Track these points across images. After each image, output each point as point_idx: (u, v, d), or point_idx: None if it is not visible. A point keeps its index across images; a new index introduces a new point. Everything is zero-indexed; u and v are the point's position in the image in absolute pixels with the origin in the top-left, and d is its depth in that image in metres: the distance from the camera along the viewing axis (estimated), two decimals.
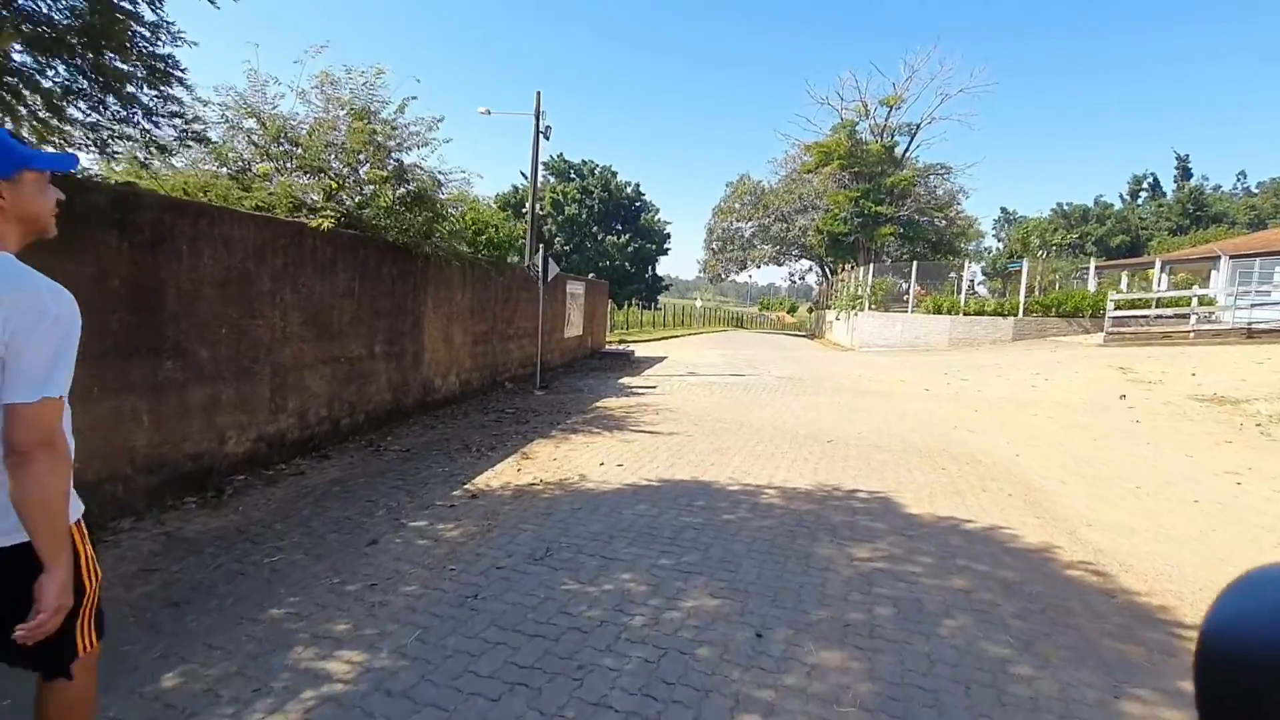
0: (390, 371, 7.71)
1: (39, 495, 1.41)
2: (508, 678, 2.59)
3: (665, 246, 59.70)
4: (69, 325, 1.49)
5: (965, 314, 23.74)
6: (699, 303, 53.49)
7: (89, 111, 5.18)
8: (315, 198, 7.18)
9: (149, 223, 4.52)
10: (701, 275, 50.93)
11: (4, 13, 4.47)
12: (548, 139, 13.90)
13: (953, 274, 34.84)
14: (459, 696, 2.47)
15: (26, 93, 4.76)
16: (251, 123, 7.14)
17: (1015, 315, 22.77)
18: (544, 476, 5.63)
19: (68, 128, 5.09)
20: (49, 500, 1.42)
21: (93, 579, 1.66)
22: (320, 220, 6.16)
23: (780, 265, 44.93)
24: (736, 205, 42.08)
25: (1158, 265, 22.20)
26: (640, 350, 21.54)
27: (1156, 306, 19.64)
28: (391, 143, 7.79)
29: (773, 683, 2.59)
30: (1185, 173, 66.00)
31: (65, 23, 4.81)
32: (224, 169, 7.06)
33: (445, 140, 8.26)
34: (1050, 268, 28.10)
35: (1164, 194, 67.94)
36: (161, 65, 5.23)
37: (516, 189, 59.22)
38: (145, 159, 6.01)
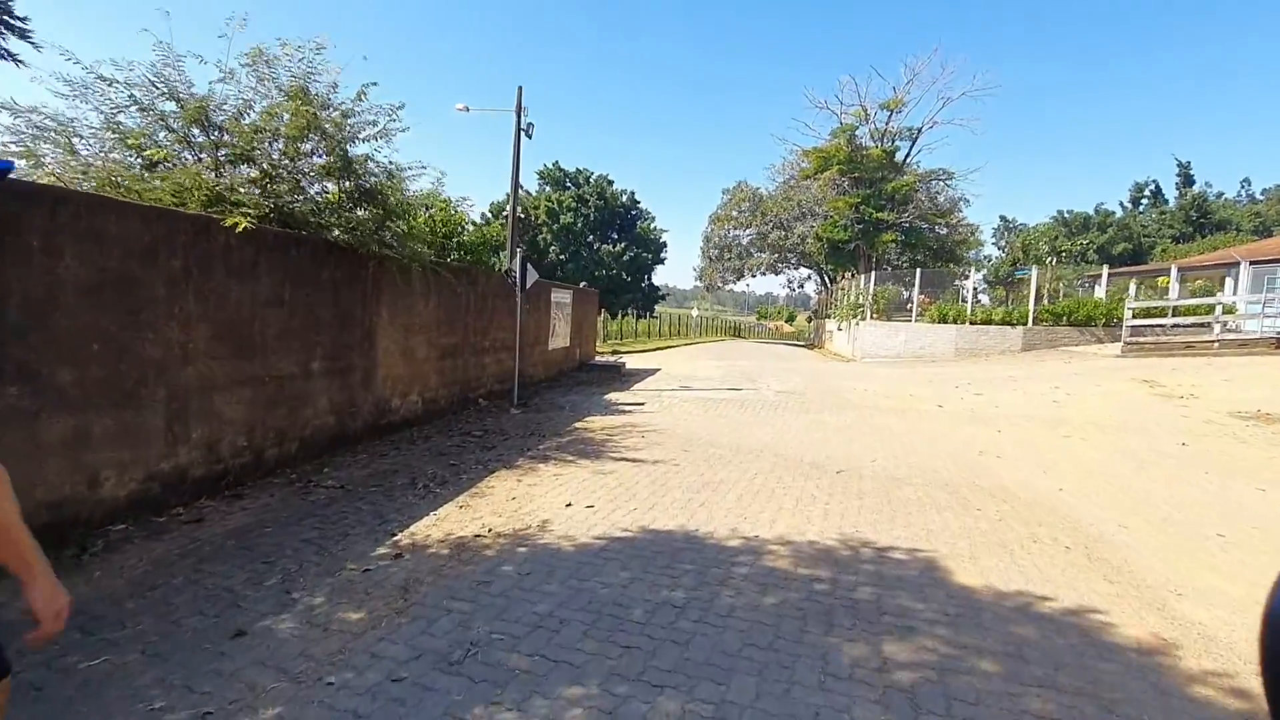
0: (333, 392, 6.69)
1: None
2: None
3: (662, 255, 58.85)
4: None
5: (972, 323, 22.77)
6: (695, 312, 52.60)
7: None
8: (253, 191, 6.21)
9: None
10: (699, 284, 50.01)
11: None
12: (530, 136, 12.94)
13: (957, 281, 33.98)
14: None
15: None
16: (170, 105, 6.16)
17: (1024, 324, 21.82)
18: (495, 523, 4.61)
19: None
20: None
21: None
22: (236, 217, 5.16)
23: (778, 274, 44.03)
24: (734, 212, 41.22)
25: (1173, 271, 21.27)
26: (633, 362, 20.54)
27: (1173, 315, 18.69)
28: (342, 131, 6.82)
29: None
30: (1187, 180, 65.36)
31: None
32: (136, 159, 6.07)
33: (403, 129, 7.29)
34: (1056, 275, 27.21)
35: (1166, 201, 67.26)
36: None
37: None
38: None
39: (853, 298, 29.39)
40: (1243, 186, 68.10)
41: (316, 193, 6.93)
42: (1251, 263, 20.51)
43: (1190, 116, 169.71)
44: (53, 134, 5.52)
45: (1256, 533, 4.75)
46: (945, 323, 23.50)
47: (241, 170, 6.41)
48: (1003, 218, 75.59)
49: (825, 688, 2.59)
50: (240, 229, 5.11)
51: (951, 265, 34.84)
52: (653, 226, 58.66)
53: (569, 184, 58.96)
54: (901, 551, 4.21)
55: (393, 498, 5.22)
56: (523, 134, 12.91)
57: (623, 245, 56.40)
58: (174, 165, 5.78)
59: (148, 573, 3.69)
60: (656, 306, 60.19)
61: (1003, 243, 72.47)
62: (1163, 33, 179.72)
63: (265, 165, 6.25)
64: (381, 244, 6.89)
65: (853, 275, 31.72)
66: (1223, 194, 67.25)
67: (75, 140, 5.68)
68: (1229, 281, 25.96)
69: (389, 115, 7.34)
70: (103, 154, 6.00)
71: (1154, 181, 69.64)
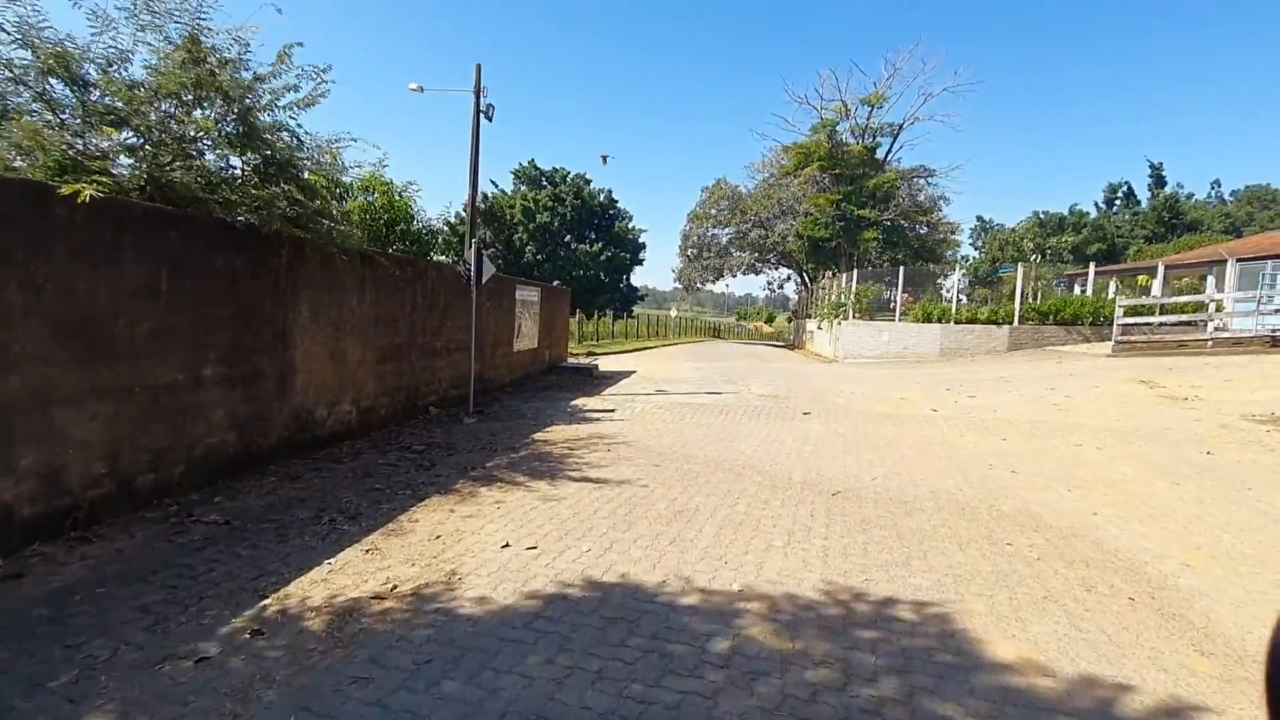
0: (233, 403, 5.59)
1: None
2: None
3: (640, 256, 57.97)
4: None
5: (957, 322, 22.14)
6: (674, 312, 51.77)
7: None
8: (124, 159, 5.13)
9: None
10: (678, 286, 49.13)
11: None
12: (490, 119, 11.89)
13: (939, 280, 33.48)
14: None
15: None
16: (25, 54, 5.04)
17: (1010, 323, 21.23)
18: (404, 576, 3.58)
19: None
20: None
21: None
22: (78, 185, 4.06)
23: (758, 273, 43.32)
24: (713, 210, 40.40)
25: (1160, 270, 20.80)
26: (608, 364, 19.53)
27: (1164, 314, 18.18)
28: (250, 95, 5.74)
29: None
30: (1159, 181, 66.11)
31: None
32: None
33: (322, 91, 6.22)
34: (1039, 274, 26.75)
35: (1139, 202, 67.92)
36: None
37: (486, 196, 57.18)
38: None
39: (834, 297, 28.69)
40: (1213, 188, 69.14)
41: (220, 168, 5.85)
42: (1238, 260, 20.11)
43: (1163, 119, 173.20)
44: None
45: None
46: (930, 322, 22.85)
47: (121, 138, 5.30)
48: (979, 218, 76.00)
49: None
50: (83, 199, 4.01)
51: (931, 265, 34.38)
52: (631, 226, 57.75)
53: (545, 183, 57.85)
54: (926, 611, 3.26)
55: (286, 538, 4.15)
56: (482, 116, 11.87)
57: (600, 245, 55.40)
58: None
59: None
60: (635, 307, 59.22)
61: (980, 243, 72.76)
62: (1138, 36, 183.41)
63: (143, 128, 5.15)
64: (297, 226, 5.80)
65: (834, 274, 31.06)
66: (1193, 195, 68.19)
67: None
68: (1210, 280, 25.70)
69: (315, 79, 6.30)
70: None
71: (1127, 183, 70.32)
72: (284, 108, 6.21)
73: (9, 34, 4.93)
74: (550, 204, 55.19)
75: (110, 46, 5.21)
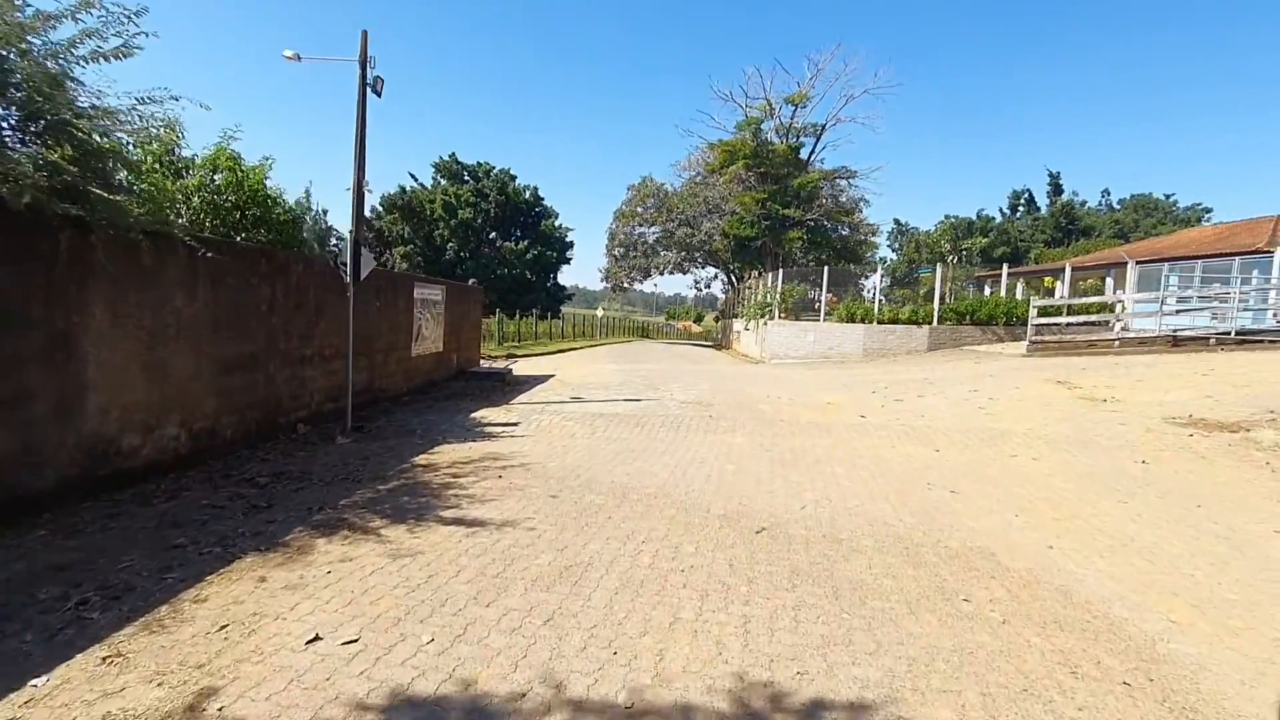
0: None
1: None
2: None
3: (567, 255, 56.62)
4: None
5: (879, 322, 22.20)
6: (600, 312, 50.79)
7: None
8: None
9: None
10: (605, 284, 48.11)
11: None
12: (379, 94, 10.51)
13: (861, 281, 33.93)
14: None
15: None
16: None
17: (930, 324, 21.43)
18: (134, 708, 2.42)
19: None
20: None
21: None
22: None
23: (685, 273, 42.86)
24: (639, 209, 39.60)
25: (1067, 271, 21.48)
26: (527, 367, 18.33)
27: (1072, 314, 18.66)
28: (14, 38, 4.35)
29: None
30: (1057, 189, 70.45)
31: None
32: None
33: (128, 41, 4.88)
34: (955, 274, 27.39)
35: (1039, 208, 72.11)
36: None
37: (404, 189, 54.49)
38: None
39: (760, 296, 28.46)
40: (1103, 196, 74.16)
41: None
42: (1138, 262, 20.97)
43: (1059, 129, 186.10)
44: None
45: None
46: (853, 322, 22.83)
47: None
48: (897, 221, 78.81)
49: None
50: None
51: (853, 265, 34.84)
52: (558, 224, 56.29)
53: (468, 177, 55.65)
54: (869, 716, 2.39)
55: None
56: (369, 90, 10.48)
57: (526, 243, 53.73)
58: None
59: None
60: (563, 307, 57.78)
61: (897, 245, 75.41)
62: (1039, 44, 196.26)
63: None
64: (69, 201, 4.42)
65: (760, 274, 30.89)
66: (1086, 202, 72.94)
67: None
68: (1109, 281, 27.00)
69: (119, 21, 4.95)
70: None
71: (1028, 190, 74.60)
72: (82, 59, 4.85)
73: None
74: (473, 199, 53.06)
75: None
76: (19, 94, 4.36)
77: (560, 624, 3.10)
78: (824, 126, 32.43)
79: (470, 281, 18.33)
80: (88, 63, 4.93)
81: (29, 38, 4.58)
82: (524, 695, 2.53)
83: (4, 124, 4.45)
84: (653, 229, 39.74)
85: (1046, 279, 30.01)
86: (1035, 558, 4.15)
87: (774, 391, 13.04)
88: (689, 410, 10.22)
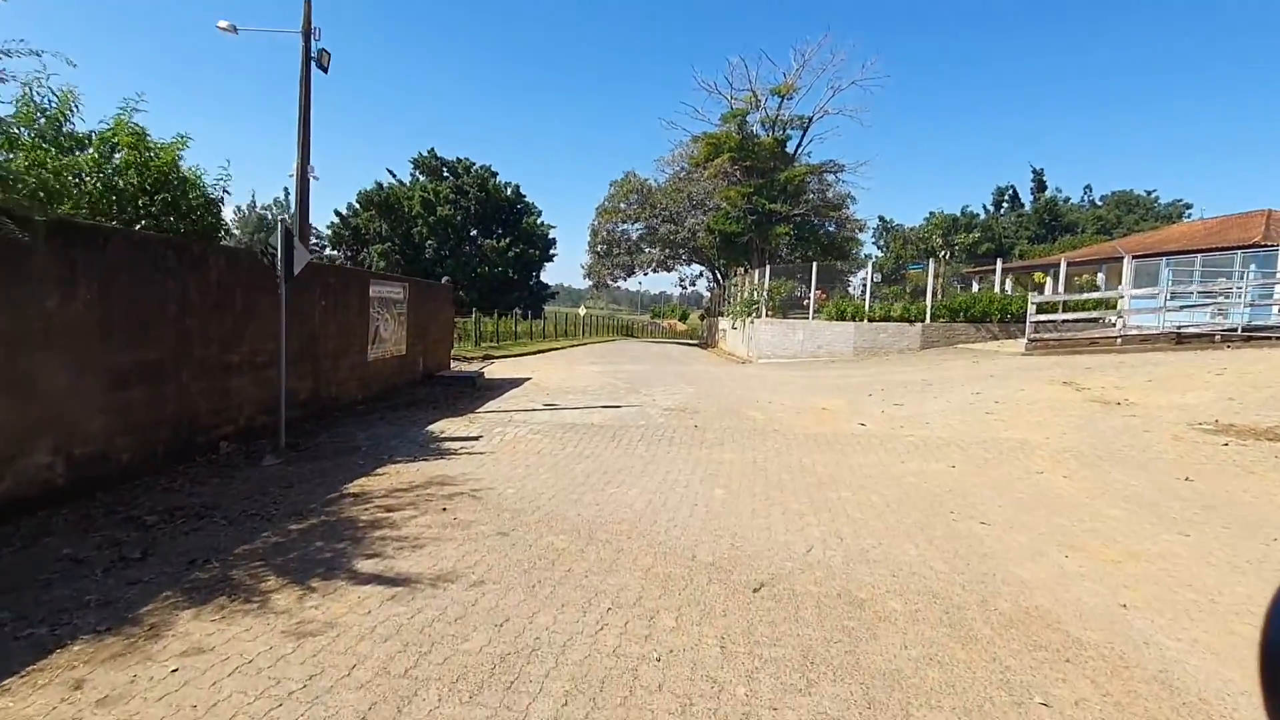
0: None
1: None
2: None
3: (550, 252, 55.38)
4: None
5: (870, 320, 21.43)
6: (582, 311, 49.74)
7: None
8: None
9: None
10: (588, 281, 47.03)
11: None
12: (325, 70, 9.45)
13: (849, 276, 33.19)
14: None
15: None
16: None
17: (922, 321, 20.69)
18: None
19: None
20: None
21: None
22: None
23: (670, 270, 41.96)
24: (621, 205, 38.59)
25: (1062, 265, 20.83)
26: (503, 369, 17.30)
27: (1073, 310, 17.97)
28: None
29: None
30: (1041, 185, 70.42)
31: None
32: None
33: None
34: (949, 270, 26.72)
35: (1023, 205, 72.05)
36: None
37: (382, 185, 53.09)
38: None
39: (747, 294, 27.60)
40: (1085, 192, 74.34)
41: None
42: (1134, 257, 20.36)
43: (1043, 125, 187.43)
44: None
45: None
46: (843, 320, 22.04)
47: None
48: (881, 218, 78.44)
49: None
50: None
51: (839, 262, 34.11)
52: (540, 221, 55.02)
53: (447, 174, 54.32)
54: None
55: None
56: (314, 64, 9.43)
57: (507, 241, 52.39)
58: None
59: None
60: (546, 306, 56.57)
61: (882, 242, 75.05)
62: (1021, 44, 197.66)
63: None
64: None
65: (745, 270, 30.04)
66: (1069, 199, 73.02)
67: None
68: (1101, 276, 26.44)
69: None
70: None
71: (1012, 186, 74.54)
72: None
73: None
74: (453, 196, 51.73)
75: None
76: None
77: None
78: (811, 119, 31.64)
79: (444, 280, 17.23)
80: None
81: None
82: None
83: None
84: (636, 225, 38.79)
85: (1037, 275, 29.42)
86: (1110, 624, 3.25)
87: (764, 396, 12.14)
88: (672, 419, 9.27)
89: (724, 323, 31.76)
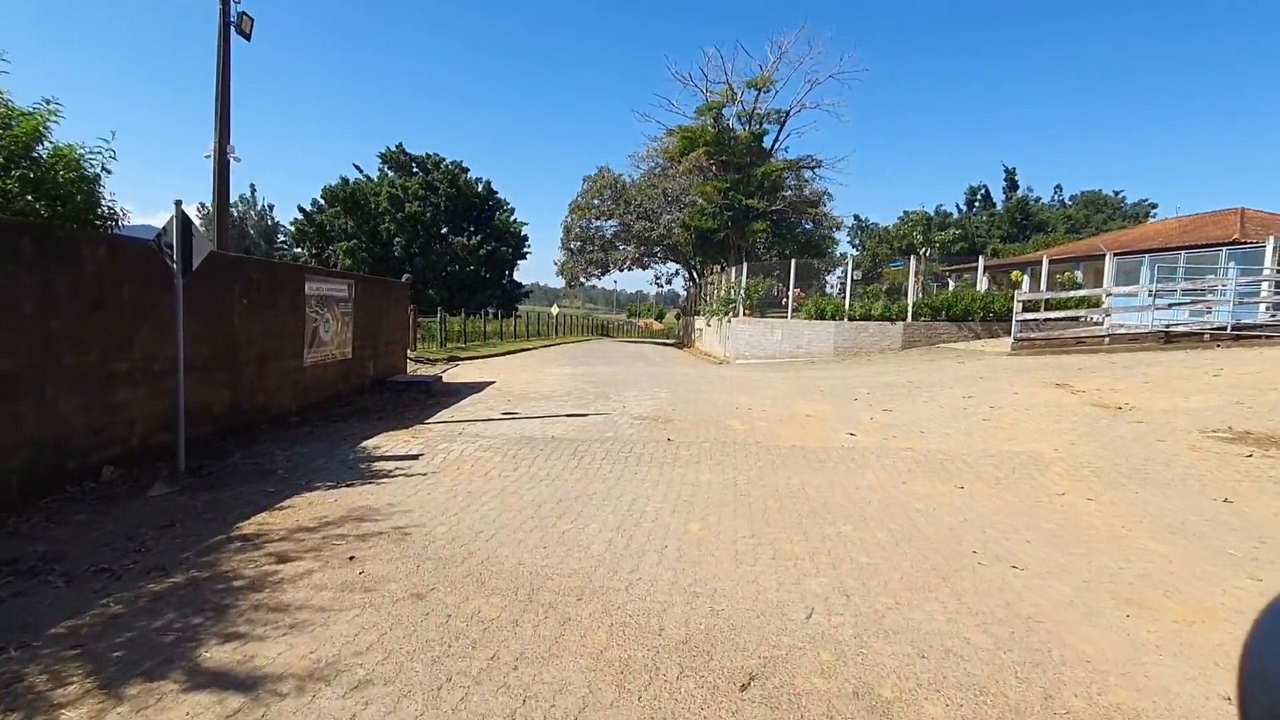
0: None
1: None
2: None
3: (524, 250, 53.93)
4: None
5: (851, 319, 20.74)
6: (554, 310, 48.60)
7: None
8: None
9: None
10: (561, 278, 45.85)
11: None
12: (247, 37, 8.36)
13: (826, 275, 32.57)
14: None
15: None
16: None
17: (904, 320, 20.06)
18: None
19: None
20: None
21: None
22: None
23: (645, 268, 41.04)
24: (595, 201, 37.55)
25: (1044, 263, 20.38)
26: (466, 372, 16.22)
27: (1059, 309, 17.45)
28: None
29: None
30: (1013, 185, 70.96)
31: None
32: None
33: None
34: (929, 268, 26.20)
35: (995, 204, 72.54)
36: None
37: (347, 181, 51.35)
38: None
39: (723, 292, 26.82)
40: (1055, 192, 75.15)
41: None
42: (1115, 254, 19.97)
43: (1014, 124, 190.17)
44: None
45: None
46: (823, 319, 21.34)
47: None
48: (857, 217, 78.49)
49: None
50: None
51: (816, 260, 33.50)
52: (513, 219, 53.60)
53: (416, 169, 52.73)
54: None
55: None
56: (233, 30, 8.32)
57: (479, 238, 50.90)
58: None
59: None
60: (520, 305, 55.19)
61: (857, 241, 75.03)
62: (995, 41, 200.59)
63: None
64: None
65: (722, 269, 29.26)
66: (1040, 198, 73.74)
67: None
68: (1078, 274, 26.15)
69: None
70: None
71: (984, 186, 75.03)
72: None
73: None
74: (422, 192, 50.13)
75: None
76: None
77: None
78: (788, 113, 30.95)
79: (404, 277, 16.11)
80: None
81: None
82: None
83: None
84: (610, 222, 37.80)
85: (1014, 273, 29.11)
86: None
87: (743, 400, 11.27)
88: (643, 430, 8.34)
89: (700, 322, 30.95)
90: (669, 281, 48.43)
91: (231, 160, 8.29)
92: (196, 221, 7.81)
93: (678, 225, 31.83)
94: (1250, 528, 4.72)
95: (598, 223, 38.19)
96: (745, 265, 24.68)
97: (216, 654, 2.84)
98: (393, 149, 53.27)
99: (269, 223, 71.58)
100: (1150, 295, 15.56)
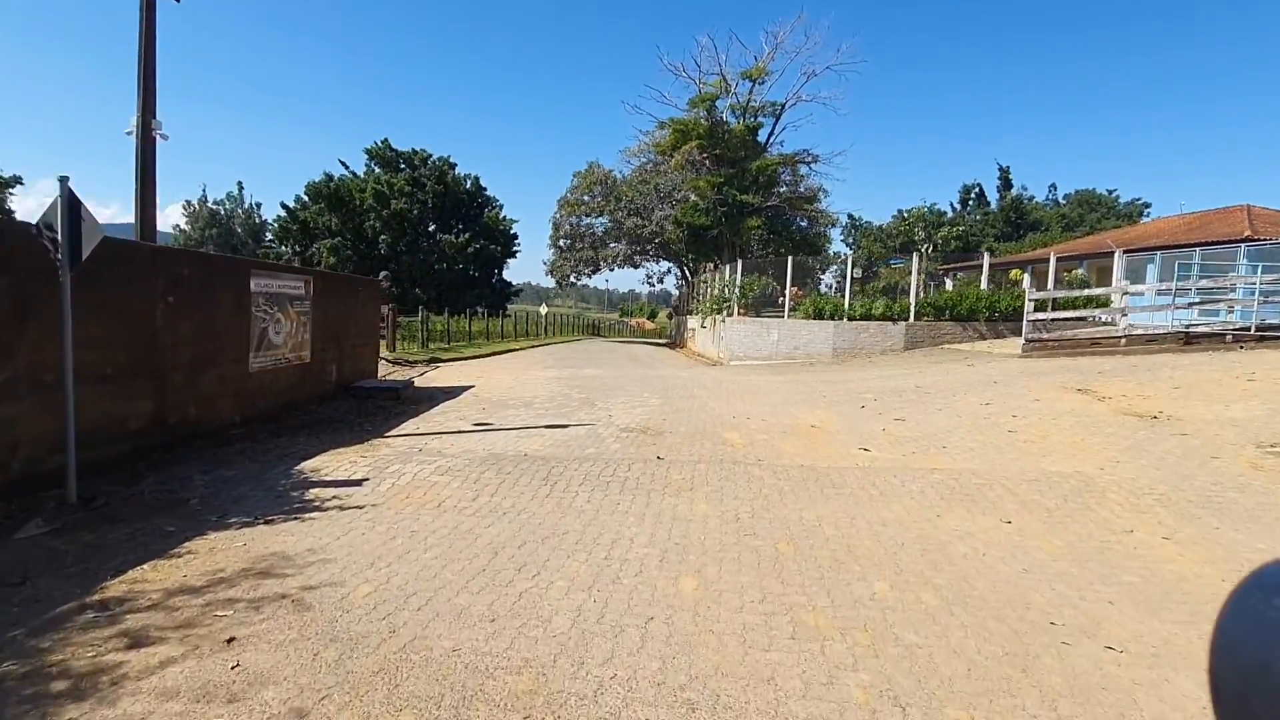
0: None
1: None
2: None
3: (513, 248, 52.79)
4: None
5: (850, 319, 19.85)
6: (544, 309, 47.53)
7: None
8: None
9: None
10: (551, 277, 44.77)
11: None
12: None
13: (821, 274, 31.75)
14: None
15: None
16: None
17: (906, 319, 19.19)
18: None
19: None
20: None
21: None
22: None
23: (636, 266, 40.03)
24: (585, 197, 36.51)
25: (1052, 260, 19.53)
26: (444, 376, 15.21)
27: (1071, 308, 16.61)
28: None
29: None
30: (1007, 183, 70.41)
31: None
32: None
33: None
34: (931, 266, 25.40)
35: (989, 203, 71.99)
36: None
37: (332, 177, 50.06)
38: None
39: (717, 290, 25.87)
40: (1049, 191, 74.72)
41: None
42: (1125, 251, 19.16)
43: (1009, 123, 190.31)
44: None
45: None
46: (821, 319, 20.44)
47: None
48: (850, 216, 77.76)
49: None
50: None
51: (811, 258, 32.62)
52: (502, 216, 52.43)
53: (403, 165, 51.49)
54: None
55: None
56: None
57: (467, 236, 49.71)
58: None
59: None
60: (510, 304, 54.02)
61: (849, 239, 74.27)
62: (991, 43, 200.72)
63: None
64: None
65: (715, 267, 28.32)
66: (1034, 197, 73.26)
67: None
68: (1081, 272, 25.36)
69: None
70: None
71: (979, 184, 74.48)
72: None
73: None
74: (408, 189, 48.89)
75: None
76: None
77: None
78: (784, 105, 30.02)
79: (381, 275, 15.10)
80: None
81: None
82: None
83: None
84: (601, 219, 36.75)
85: (1014, 271, 28.34)
86: None
87: (740, 409, 10.31)
88: (629, 446, 7.35)
89: (693, 321, 29.99)
90: (661, 280, 47.44)
91: (158, 138, 7.25)
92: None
93: (670, 222, 30.86)
94: None
95: (588, 220, 37.17)
96: (740, 263, 23.73)
97: None
98: (379, 144, 52.01)
99: (256, 220, 69.79)
100: (1170, 294, 14.70)
